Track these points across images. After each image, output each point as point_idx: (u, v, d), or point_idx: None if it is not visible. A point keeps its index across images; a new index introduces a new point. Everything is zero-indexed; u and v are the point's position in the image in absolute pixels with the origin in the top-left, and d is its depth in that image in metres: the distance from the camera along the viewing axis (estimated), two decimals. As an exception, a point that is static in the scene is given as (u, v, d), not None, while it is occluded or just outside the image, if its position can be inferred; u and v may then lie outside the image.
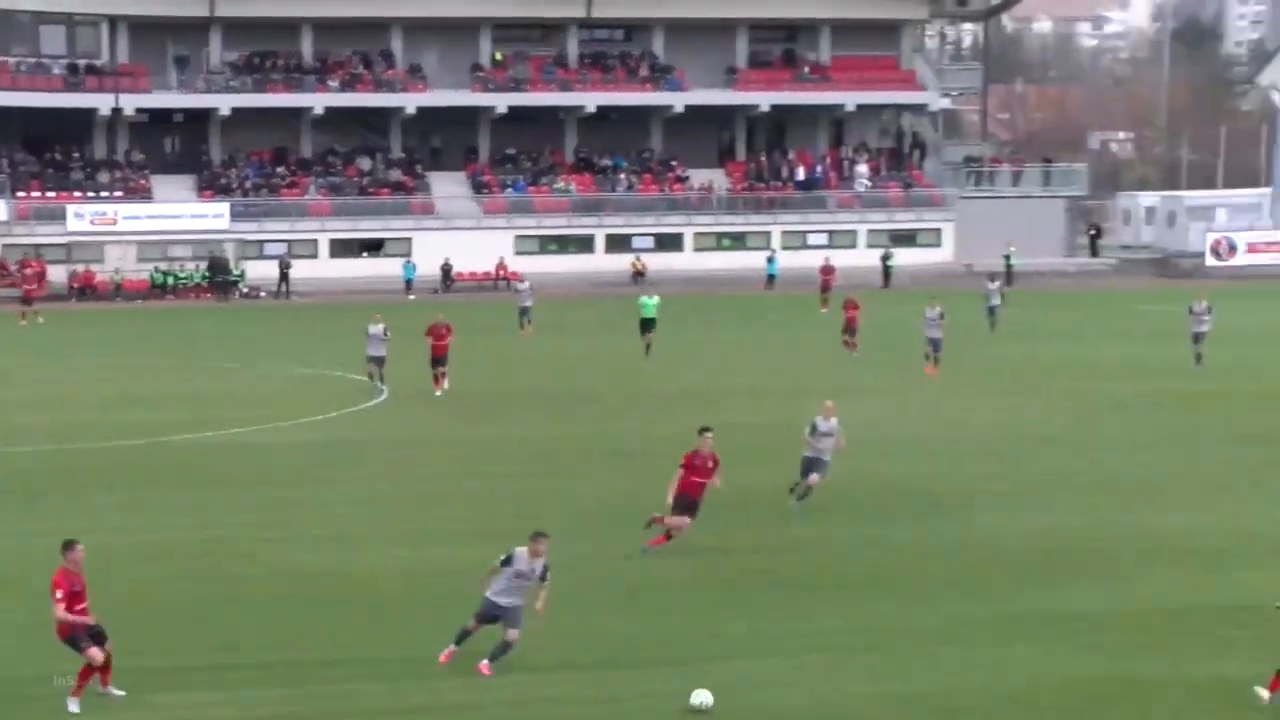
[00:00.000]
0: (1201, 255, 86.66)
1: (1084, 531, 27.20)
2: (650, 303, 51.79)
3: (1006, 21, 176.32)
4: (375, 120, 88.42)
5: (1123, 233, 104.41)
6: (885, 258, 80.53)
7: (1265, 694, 18.68)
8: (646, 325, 51.56)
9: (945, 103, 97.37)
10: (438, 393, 43.18)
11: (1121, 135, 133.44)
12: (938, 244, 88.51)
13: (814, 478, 28.18)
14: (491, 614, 19.70)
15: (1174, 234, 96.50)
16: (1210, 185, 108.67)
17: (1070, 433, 37.14)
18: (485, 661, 19.62)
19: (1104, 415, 39.64)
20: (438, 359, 43.72)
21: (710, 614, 22.18)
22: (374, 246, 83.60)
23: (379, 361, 43.92)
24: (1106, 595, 23.32)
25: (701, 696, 18.36)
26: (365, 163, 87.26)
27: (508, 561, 19.72)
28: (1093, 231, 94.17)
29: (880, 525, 27.68)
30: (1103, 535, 26.89)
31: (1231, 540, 26.55)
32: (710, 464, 25.58)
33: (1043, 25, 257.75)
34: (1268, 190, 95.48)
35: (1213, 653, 20.61)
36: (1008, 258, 79.07)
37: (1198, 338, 47.95)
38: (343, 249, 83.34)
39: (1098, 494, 30.21)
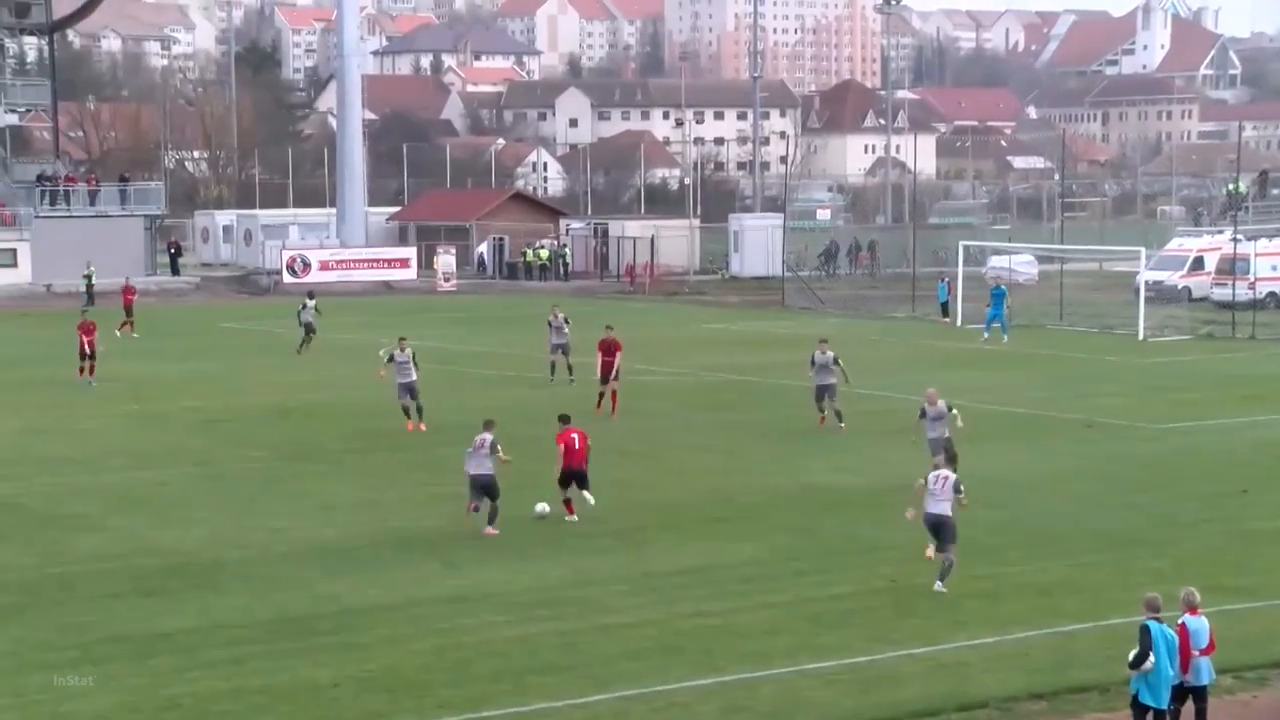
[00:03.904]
0: (279, 272, 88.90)
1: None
2: None
3: (73, 37, 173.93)
4: None
5: (203, 250, 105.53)
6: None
7: None
8: None
9: (13, 119, 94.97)
10: None
11: (196, 154, 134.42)
12: (14, 265, 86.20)
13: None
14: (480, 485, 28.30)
15: (251, 251, 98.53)
16: (282, 204, 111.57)
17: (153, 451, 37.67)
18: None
19: (189, 434, 40.40)
20: None
21: None
22: None
23: None
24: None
25: (542, 506, 29.08)
26: None
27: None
28: (173, 249, 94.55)
29: None
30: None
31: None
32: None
33: (112, 43, 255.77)
34: (333, 210, 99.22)
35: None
36: (88, 277, 78.14)
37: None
38: None
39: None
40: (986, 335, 60.45)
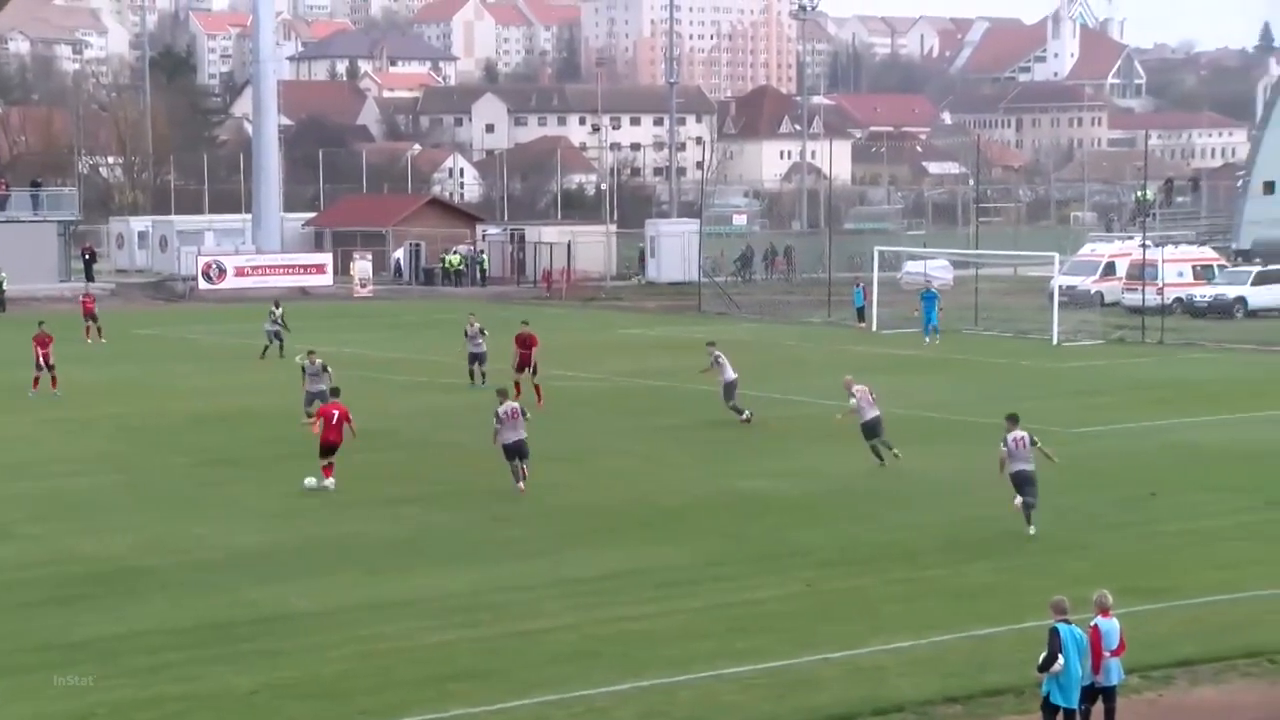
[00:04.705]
0: (194, 278, 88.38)
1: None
2: None
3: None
4: None
5: (118, 256, 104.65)
6: None
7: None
8: None
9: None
10: None
11: (110, 159, 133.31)
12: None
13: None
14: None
15: (166, 258, 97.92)
16: (198, 210, 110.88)
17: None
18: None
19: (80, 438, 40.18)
20: None
21: None
22: None
23: None
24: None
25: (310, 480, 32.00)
26: None
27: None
28: (88, 256, 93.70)
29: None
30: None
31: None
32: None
33: (20, 45, 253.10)
34: (249, 215, 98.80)
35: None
36: (-1, 283, 77.59)
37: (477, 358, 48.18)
38: None
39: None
40: (935, 339, 60.90)
